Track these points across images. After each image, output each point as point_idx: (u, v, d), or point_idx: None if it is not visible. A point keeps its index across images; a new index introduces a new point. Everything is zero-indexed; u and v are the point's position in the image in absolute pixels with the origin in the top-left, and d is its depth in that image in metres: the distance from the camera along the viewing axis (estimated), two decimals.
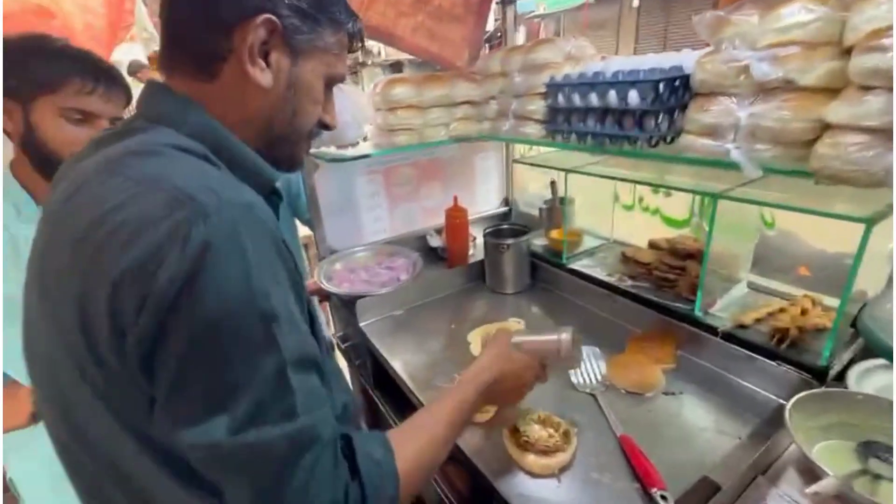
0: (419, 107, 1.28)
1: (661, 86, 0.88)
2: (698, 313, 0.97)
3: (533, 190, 1.69)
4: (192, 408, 0.38)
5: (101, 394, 0.42)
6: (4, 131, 0.81)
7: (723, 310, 0.99)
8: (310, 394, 0.43)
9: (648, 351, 0.98)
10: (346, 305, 1.34)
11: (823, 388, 0.76)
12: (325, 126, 0.61)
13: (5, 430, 0.86)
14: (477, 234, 1.67)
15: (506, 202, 1.85)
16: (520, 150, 1.82)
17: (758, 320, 0.91)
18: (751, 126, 0.72)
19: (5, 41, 0.79)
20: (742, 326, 0.91)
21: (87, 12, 1.29)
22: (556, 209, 1.40)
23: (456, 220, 1.47)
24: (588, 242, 1.39)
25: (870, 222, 0.68)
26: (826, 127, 0.65)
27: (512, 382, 0.71)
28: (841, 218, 0.72)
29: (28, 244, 0.79)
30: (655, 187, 1.17)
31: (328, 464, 0.43)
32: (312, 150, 1.32)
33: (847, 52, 0.63)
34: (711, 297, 0.99)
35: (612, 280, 1.17)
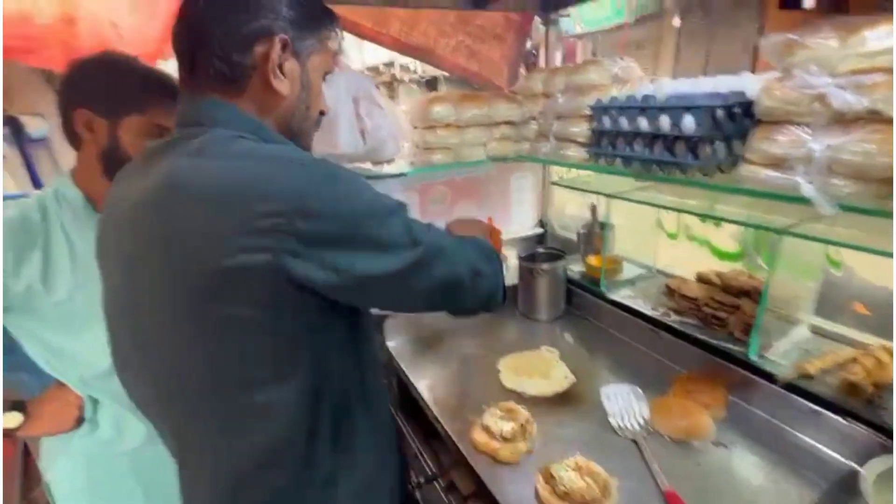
0: (457, 126, 1.26)
1: (720, 112, 0.82)
2: (753, 357, 0.89)
3: (570, 212, 1.63)
4: (385, 256, 0.53)
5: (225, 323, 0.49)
6: (71, 141, 0.84)
7: (781, 355, 0.90)
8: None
9: (696, 395, 0.91)
10: (374, 323, 1.31)
11: None
12: (322, 114, 0.70)
13: (53, 433, 0.87)
14: (510, 256, 1.62)
15: (541, 223, 1.80)
16: (556, 171, 1.77)
17: (824, 370, 0.83)
18: (827, 159, 0.65)
19: (92, 59, 0.83)
20: (806, 376, 0.83)
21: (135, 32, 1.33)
22: (596, 234, 1.34)
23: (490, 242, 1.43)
24: (628, 271, 1.32)
25: None
26: None
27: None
28: None
29: (85, 248, 0.82)
30: (705, 217, 1.10)
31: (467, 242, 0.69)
32: (349, 166, 1.31)
33: None
34: (768, 340, 0.91)
35: (655, 314, 1.10)
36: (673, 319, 1.06)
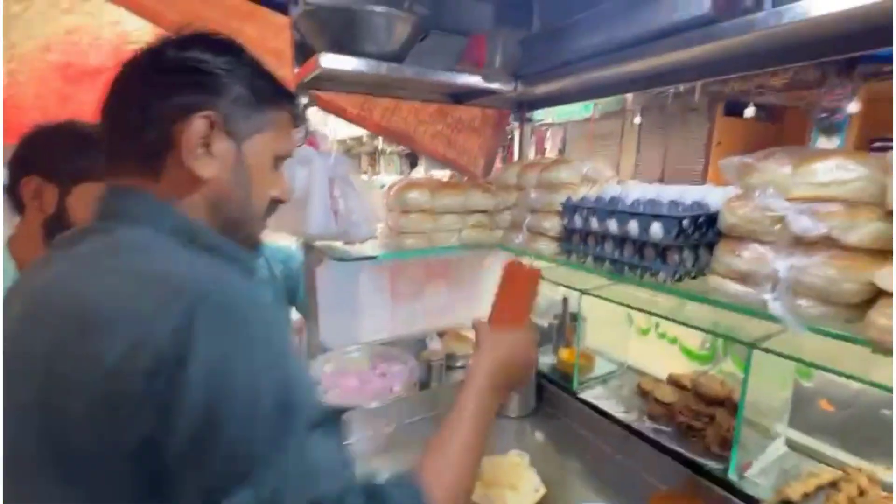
0: (432, 212, 1.26)
1: (686, 221, 0.84)
2: (733, 476, 0.84)
3: (546, 298, 1.62)
4: (219, 480, 0.38)
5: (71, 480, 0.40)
6: (14, 207, 0.80)
7: (761, 474, 0.85)
8: (328, 456, 0.43)
9: None
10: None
11: None
12: (279, 201, 0.63)
13: None
14: None
15: None
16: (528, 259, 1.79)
17: (806, 495, 0.78)
18: (791, 280, 0.66)
19: (50, 127, 0.81)
20: (788, 502, 0.78)
21: None
22: (567, 326, 1.32)
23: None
24: (600, 366, 1.29)
25: None
26: (880, 290, 0.59)
27: (514, 359, 0.68)
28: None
29: None
30: (675, 322, 1.10)
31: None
32: (319, 244, 1.28)
33: (891, 216, 0.59)
34: (746, 456, 0.87)
35: (630, 419, 1.05)
36: (647, 427, 1.01)
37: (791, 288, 0.67)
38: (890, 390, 0.63)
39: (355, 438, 1.14)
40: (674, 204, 0.89)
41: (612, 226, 0.96)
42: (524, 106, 1.57)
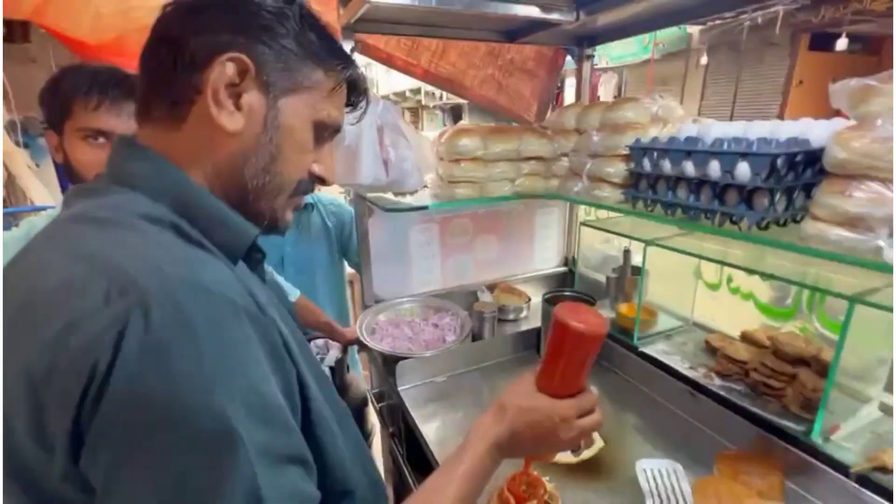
0: (484, 160, 1.20)
1: (781, 160, 0.74)
2: (816, 439, 0.78)
3: (598, 253, 1.54)
4: None
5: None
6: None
7: (849, 438, 0.78)
8: (287, 498, 0.38)
9: (746, 478, 0.79)
10: (386, 362, 1.23)
11: None
12: (321, 180, 0.55)
13: None
14: (532, 295, 1.54)
15: (565, 262, 1.72)
16: (583, 209, 1.69)
17: None
18: None
19: (53, 77, 0.79)
20: (882, 469, 0.71)
21: None
22: (628, 280, 1.25)
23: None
24: (663, 322, 1.22)
25: None
26: None
27: (533, 435, 0.58)
28: None
29: None
30: (754, 273, 0.99)
31: None
32: (369, 196, 1.26)
33: None
34: (832, 419, 0.80)
35: (695, 375, 0.99)
36: (716, 384, 0.95)
37: None
38: None
39: (408, 386, 1.16)
40: (764, 141, 0.79)
41: (689, 168, 0.86)
42: (584, 41, 1.43)
